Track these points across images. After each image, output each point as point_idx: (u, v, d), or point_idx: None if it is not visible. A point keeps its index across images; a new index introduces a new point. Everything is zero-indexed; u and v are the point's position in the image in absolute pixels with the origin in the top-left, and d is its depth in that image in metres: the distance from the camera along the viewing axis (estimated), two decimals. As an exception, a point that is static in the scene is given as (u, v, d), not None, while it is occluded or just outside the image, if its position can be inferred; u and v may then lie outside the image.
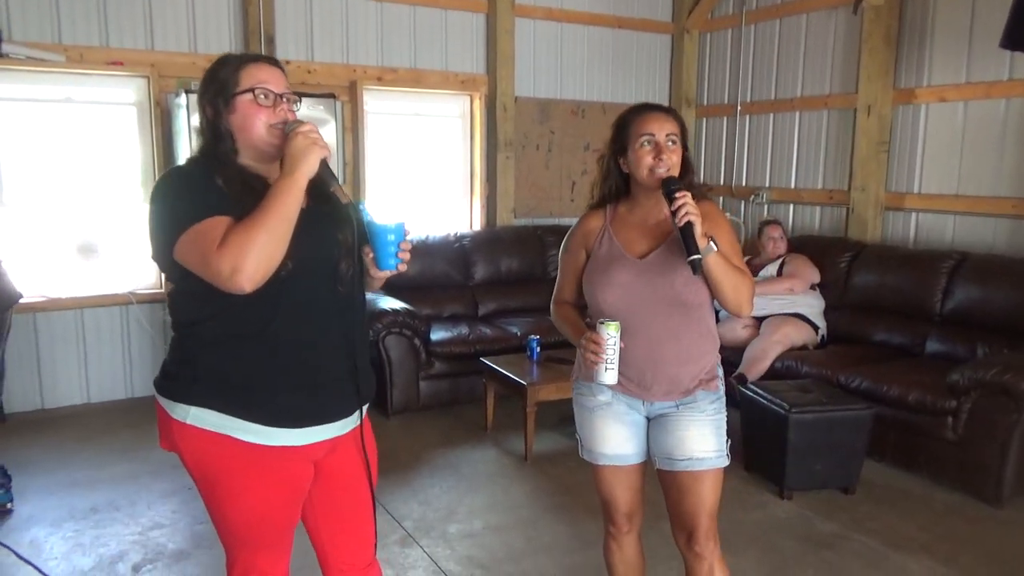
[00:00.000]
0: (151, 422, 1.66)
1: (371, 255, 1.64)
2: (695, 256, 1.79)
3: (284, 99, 1.61)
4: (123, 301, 4.69)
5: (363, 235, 1.65)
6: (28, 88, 4.35)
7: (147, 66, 4.53)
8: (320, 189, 1.68)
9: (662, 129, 1.91)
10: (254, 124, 1.59)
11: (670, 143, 1.91)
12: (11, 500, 3.30)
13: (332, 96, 4.62)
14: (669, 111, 1.98)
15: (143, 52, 4.53)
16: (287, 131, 1.56)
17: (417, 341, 4.47)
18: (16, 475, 3.43)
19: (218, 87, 1.61)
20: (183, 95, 4.18)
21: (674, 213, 1.80)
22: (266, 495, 1.64)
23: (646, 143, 1.91)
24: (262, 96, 1.59)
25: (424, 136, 5.62)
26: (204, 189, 1.55)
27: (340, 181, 1.62)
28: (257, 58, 1.65)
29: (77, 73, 4.41)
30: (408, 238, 1.65)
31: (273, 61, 1.67)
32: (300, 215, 1.53)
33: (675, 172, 1.92)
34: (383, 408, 4.48)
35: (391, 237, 1.61)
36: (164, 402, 1.64)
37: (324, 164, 1.54)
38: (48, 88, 4.40)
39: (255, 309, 1.54)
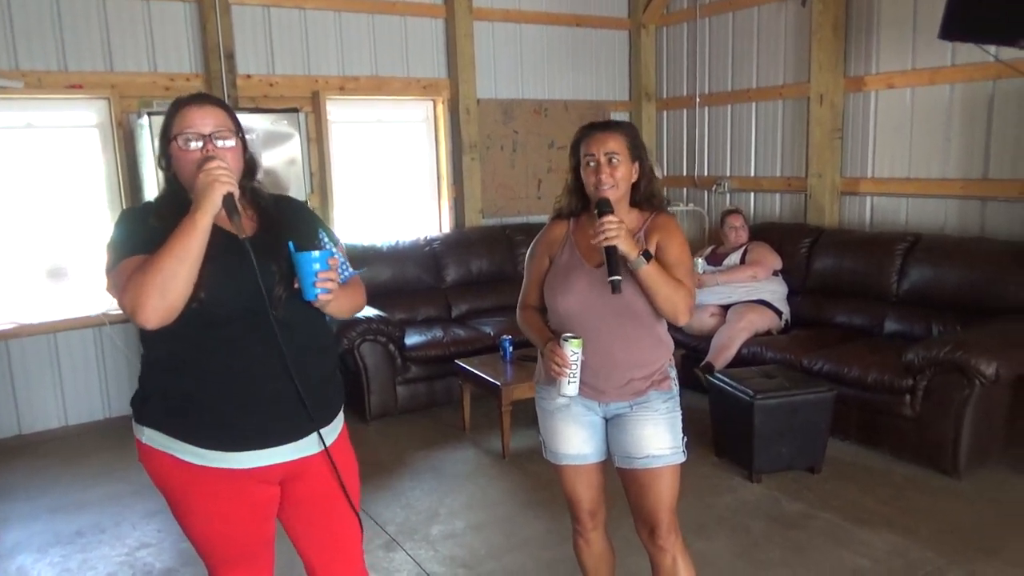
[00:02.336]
0: (130, 441, 1.73)
1: (298, 285, 1.66)
2: (614, 277, 1.91)
3: (214, 138, 1.64)
4: (96, 323, 4.70)
5: (272, 267, 1.65)
6: (-13, 116, 4.34)
7: (107, 88, 4.53)
8: (268, 216, 1.75)
9: (601, 148, 2.01)
10: (186, 169, 1.64)
11: (612, 160, 2.00)
12: (-5, 529, 3.34)
13: (295, 110, 4.66)
14: (613, 128, 2.06)
15: (102, 74, 4.54)
16: (197, 168, 1.59)
17: (392, 347, 4.54)
18: (-2, 503, 3.47)
19: (160, 136, 1.68)
20: (145, 116, 4.20)
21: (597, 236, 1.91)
22: (221, 514, 1.70)
23: (590, 163, 2.02)
24: (184, 141, 1.63)
25: (389, 142, 5.67)
26: (132, 231, 1.63)
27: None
28: (189, 101, 1.68)
29: (37, 98, 4.41)
30: (343, 270, 1.67)
31: (205, 100, 1.70)
32: (228, 244, 1.58)
33: (621, 186, 2.02)
34: (362, 414, 4.55)
35: (316, 267, 1.61)
36: (132, 422, 1.74)
37: (228, 198, 1.57)
38: (8, 115, 4.38)
39: (185, 335, 1.60)
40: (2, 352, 4.48)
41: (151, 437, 1.67)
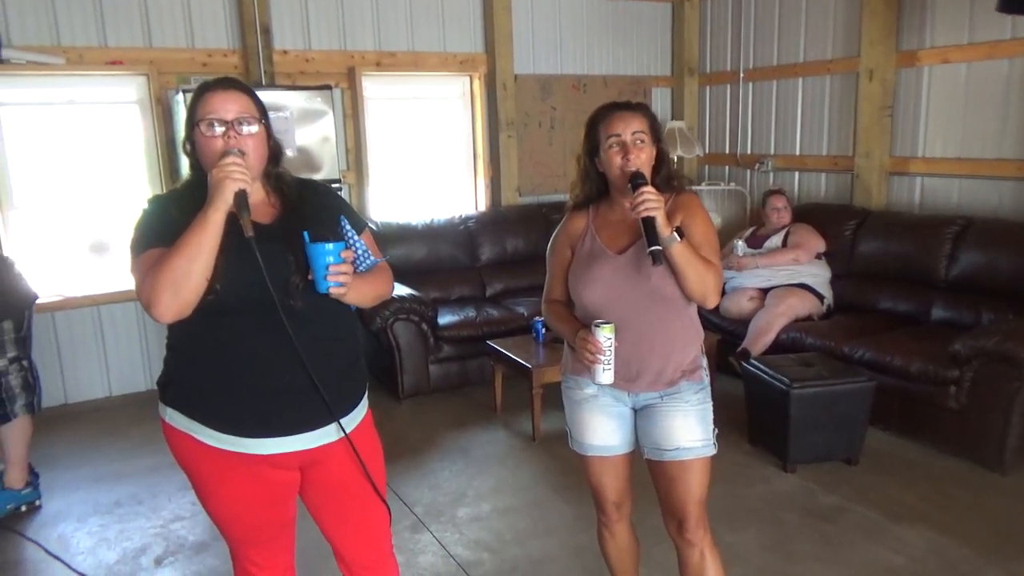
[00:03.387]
0: (169, 414, 1.77)
1: (311, 276, 1.63)
2: (655, 248, 1.84)
3: (236, 124, 1.62)
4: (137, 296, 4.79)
5: (290, 257, 1.64)
6: (31, 92, 4.41)
7: (146, 64, 4.57)
8: (290, 204, 1.74)
9: (628, 128, 1.94)
10: (207, 155, 1.63)
11: (637, 142, 1.93)
12: (39, 497, 3.44)
13: (328, 87, 4.64)
14: (636, 108, 1.99)
15: (141, 50, 4.57)
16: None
17: (425, 326, 4.54)
18: (43, 471, 3.56)
19: (186, 122, 1.67)
20: (180, 93, 4.22)
21: (636, 207, 1.85)
22: (237, 495, 1.73)
23: (614, 144, 1.94)
24: (206, 127, 1.62)
25: (425, 119, 5.63)
26: (153, 222, 1.64)
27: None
28: (213, 85, 1.67)
29: (78, 74, 4.46)
30: (366, 260, 1.65)
31: (230, 84, 1.68)
32: (241, 236, 1.57)
33: (646, 169, 1.95)
34: (394, 392, 4.58)
35: (328, 259, 1.59)
36: (158, 401, 1.77)
37: (240, 196, 1.55)
38: (50, 91, 4.46)
39: (201, 325, 1.61)
40: (49, 324, 4.60)
41: (173, 418, 1.71)
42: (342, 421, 1.75)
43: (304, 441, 1.72)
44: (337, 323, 1.76)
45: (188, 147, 1.69)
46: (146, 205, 1.71)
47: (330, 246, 1.59)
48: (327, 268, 1.58)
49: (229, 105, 1.63)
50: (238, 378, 1.65)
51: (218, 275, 1.55)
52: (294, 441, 1.71)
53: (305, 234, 1.62)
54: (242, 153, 1.60)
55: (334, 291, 1.61)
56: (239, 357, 1.65)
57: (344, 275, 1.61)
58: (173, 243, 1.54)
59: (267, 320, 1.61)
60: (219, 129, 1.62)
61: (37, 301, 3.53)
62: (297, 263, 1.64)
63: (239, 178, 1.55)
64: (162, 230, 1.60)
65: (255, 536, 1.81)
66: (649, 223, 1.85)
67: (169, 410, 1.72)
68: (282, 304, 1.59)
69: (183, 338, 1.69)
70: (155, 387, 1.78)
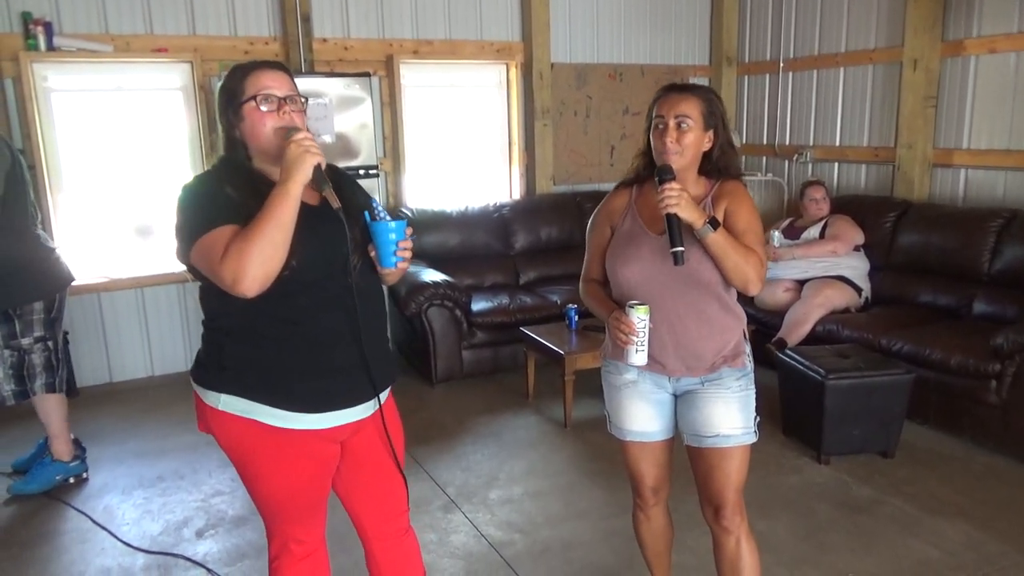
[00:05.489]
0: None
1: (374, 253, 1.70)
2: (676, 249, 1.85)
3: (288, 102, 1.67)
4: (179, 279, 4.90)
5: (361, 235, 1.70)
6: (80, 78, 4.53)
7: (190, 51, 4.66)
8: (337, 186, 1.77)
9: (672, 111, 1.93)
10: (260, 130, 1.66)
11: (681, 125, 1.92)
12: (86, 470, 3.55)
13: (366, 75, 4.69)
14: (691, 90, 1.97)
15: (186, 38, 4.67)
16: (285, 138, 1.61)
17: (458, 312, 4.58)
18: (89, 446, 3.68)
19: (228, 98, 1.69)
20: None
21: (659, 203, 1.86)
22: (293, 474, 1.77)
23: (659, 125, 1.95)
24: (264, 102, 1.65)
25: (461, 107, 5.66)
26: (213, 200, 1.63)
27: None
28: (261, 65, 1.71)
29: (125, 61, 4.57)
30: (410, 237, 1.71)
31: (277, 65, 1.73)
32: (307, 213, 1.61)
33: (688, 153, 1.94)
34: (428, 377, 4.63)
35: (392, 236, 1.66)
36: (198, 389, 1.76)
37: (317, 170, 1.60)
38: (99, 77, 4.57)
39: (269, 303, 1.62)
40: (95, 304, 4.74)
41: (228, 403, 1.70)
42: (380, 396, 1.81)
43: (354, 414, 1.77)
44: (379, 301, 1.84)
45: (234, 121, 1.69)
46: (190, 189, 1.69)
47: (393, 224, 1.67)
48: (395, 244, 1.67)
49: (281, 83, 1.68)
50: (303, 355, 1.69)
51: (292, 251, 1.59)
52: (348, 414, 1.76)
53: (366, 213, 1.69)
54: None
55: (400, 266, 1.70)
56: (305, 334, 1.68)
57: (408, 251, 1.69)
58: (240, 221, 1.56)
59: (329, 297, 1.68)
60: (270, 107, 1.66)
61: (77, 283, 3.58)
62: (355, 241, 1.69)
63: (316, 152, 1.60)
64: (224, 209, 1.60)
65: (301, 512, 1.85)
66: (672, 221, 1.85)
67: (224, 396, 1.70)
68: (346, 281, 1.65)
69: (243, 320, 1.68)
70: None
